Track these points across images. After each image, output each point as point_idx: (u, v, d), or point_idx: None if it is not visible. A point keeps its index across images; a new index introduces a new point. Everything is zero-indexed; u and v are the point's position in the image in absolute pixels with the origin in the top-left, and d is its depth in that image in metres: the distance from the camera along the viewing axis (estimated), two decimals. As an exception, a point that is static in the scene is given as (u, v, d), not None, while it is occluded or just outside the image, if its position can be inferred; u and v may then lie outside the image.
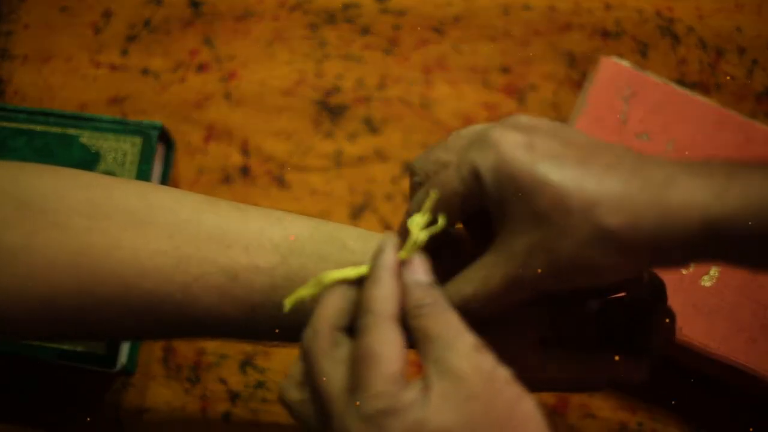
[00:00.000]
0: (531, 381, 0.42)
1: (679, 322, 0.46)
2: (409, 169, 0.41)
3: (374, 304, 0.37)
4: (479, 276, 0.38)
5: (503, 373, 0.36)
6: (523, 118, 0.38)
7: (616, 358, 0.42)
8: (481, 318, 0.39)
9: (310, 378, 0.38)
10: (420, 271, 0.38)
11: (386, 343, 0.36)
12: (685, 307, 0.57)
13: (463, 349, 0.36)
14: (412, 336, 0.37)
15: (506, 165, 0.36)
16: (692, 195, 0.34)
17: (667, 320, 0.43)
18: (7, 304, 0.43)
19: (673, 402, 0.60)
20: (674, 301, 0.46)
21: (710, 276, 0.57)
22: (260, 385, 0.62)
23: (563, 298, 0.44)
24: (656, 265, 0.38)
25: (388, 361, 0.35)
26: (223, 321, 0.44)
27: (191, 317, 0.44)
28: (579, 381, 0.43)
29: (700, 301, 0.57)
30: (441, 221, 0.39)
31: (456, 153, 0.39)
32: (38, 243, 0.43)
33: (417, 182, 0.41)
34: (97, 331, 0.47)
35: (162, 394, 0.62)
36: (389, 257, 0.38)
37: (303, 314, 0.44)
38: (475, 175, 0.37)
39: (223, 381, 0.62)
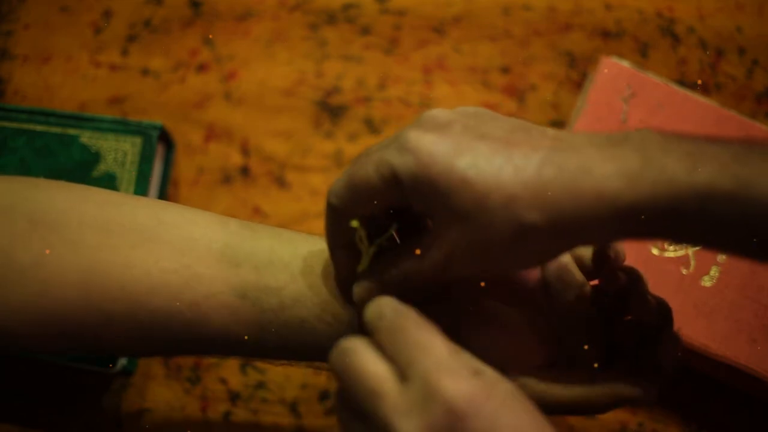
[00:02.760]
0: (536, 404, 0.42)
1: (680, 322, 0.46)
2: (326, 201, 0.41)
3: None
4: (409, 265, 0.40)
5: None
6: (439, 114, 0.39)
7: (622, 383, 0.42)
8: (416, 295, 0.40)
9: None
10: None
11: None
12: (686, 307, 0.57)
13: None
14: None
15: (425, 168, 0.37)
16: (604, 184, 0.35)
17: (673, 344, 0.44)
18: (18, 319, 0.43)
19: (673, 402, 0.60)
20: (674, 301, 0.46)
21: (710, 276, 0.57)
22: (260, 385, 0.62)
23: (568, 322, 0.44)
24: (578, 245, 0.39)
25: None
26: (231, 340, 0.44)
27: (200, 335, 0.44)
28: (585, 404, 0.43)
29: (701, 301, 0.57)
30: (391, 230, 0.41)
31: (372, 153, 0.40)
32: (49, 260, 0.43)
33: (334, 213, 0.41)
34: (106, 347, 0.47)
35: (162, 394, 0.62)
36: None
37: (311, 334, 0.44)
38: (394, 176, 0.38)
39: (223, 381, 0.62)
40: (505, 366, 0.42)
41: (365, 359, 0.36)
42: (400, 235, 0.42)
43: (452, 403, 0.34)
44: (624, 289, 0.44)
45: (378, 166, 0.38)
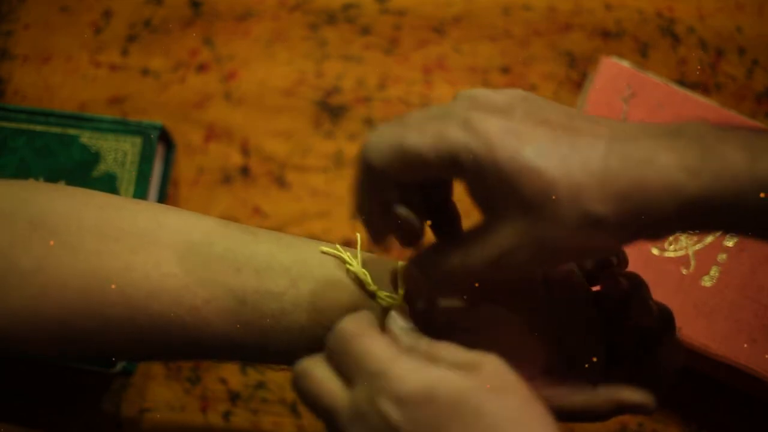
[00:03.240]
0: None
1: (680, 322, 0.46)
2: (362, 156, 0.39)
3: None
4: (462, 254, 0.38)
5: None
6: (495, 97, 0.37)
7: (624, 390, 0.42)
8: (458, 292, 0.40)
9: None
10: (404, 319, 0.40)
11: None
12: (686, 307, 0.57)
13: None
14: None
15: (490, 153, 0.35)
16: (668, 175, 0.34)
17: (675, 349, 0.43)
18: (18, 324, 0.43)
19: (673, 402, 0.60)
20: (674, 301, 0.46)
21: (711, 276, 0.57)
22: (260, 385, 0.62)
23: (569, 326, 0.44)
24: (641, 239, 0.38)
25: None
26: (232, 345, 0.44)
27: (200, 340, 0.44)
28: (586, 411, 0.42)
29: (701, 301, 0.57)
30: (400, 294, 0.42)
31: (424, 125, 0.37)
32: (49, 264, 0.43)
33: (372, 172, 0.38)
34: (106, 352, 0.47)
35: (162, 394, 0.62)
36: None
37: (311, 339, 0.44)
38: (453, 156, 0.36)
39: (223, 381, 0.62)
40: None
41: (318, 378, 0.37)
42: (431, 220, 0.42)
43: (388, 407, 0.34)
44: (626, 294, 0.44)
45: (437, 141, 0.36)
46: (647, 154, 0.35)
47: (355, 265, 0.44)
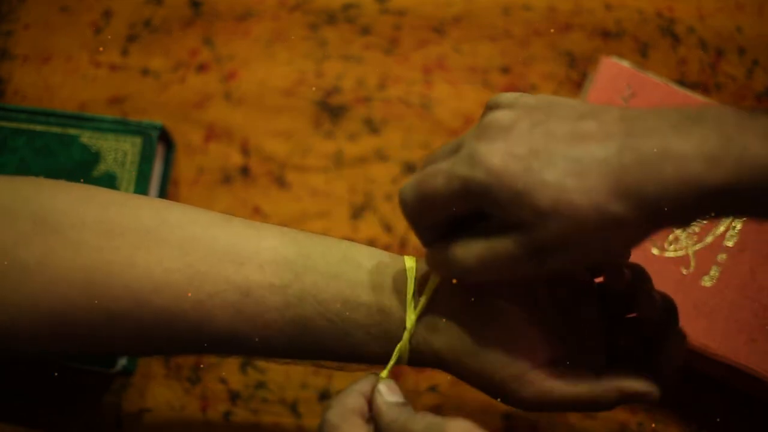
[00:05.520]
0: (541, 402, 0.42)
1: (680, 322, 0.46)
2: (400, 203, 0.42)
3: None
4: (485, 252, 0.39)
5: None
6: (501, 117, 0.38)
7: (627, 379, 0.42)
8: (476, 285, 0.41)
9: None
10: (390, 393, 0.41)
11: None
12: (686, 307, 0.57)
13: None
14: None
15: (498, 179, 0.37)
16: (686, 167, 0.34)
17: (679, 341, 0.44)
18: (21, 320, 0.43)
19: (673, 402, 0.60)
20: (674, 301, 0.46)
21: (710, 276, 0.57)
22: (260, 385, 0.62)
23: (572, 319, 0.44)
24: (664, 229, 0.38)
25: None
26: (236, 338, 0.44)
27: (204, 334, 0.44)
28: (589, 402, 0.43)
29: (701, 301, 0.57)
30: (387, 369, 0.44)
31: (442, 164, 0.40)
32: (53, 260, 0.43)
33: (410, 216, 0.42)
34: (109, 348, 0.47)
35: (162, 394, 0.62)
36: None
37: (315, 332, 0.44)
38: (465, 190, 0.38)
39: (223, 381, 0.62)
40: (510, 363, 0.42)
41: None
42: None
43: None
44: (629, 286, 0.44)
45: (448, 181, 0.38)
46: (664, 145, 0.35)
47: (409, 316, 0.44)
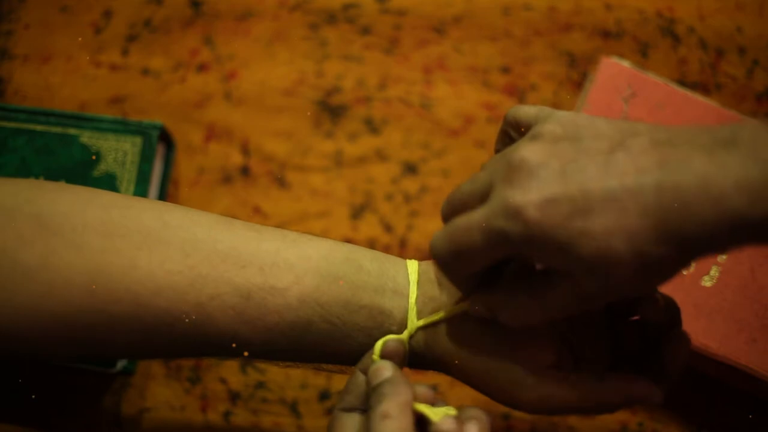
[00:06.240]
0: (543, 407, 0.42)
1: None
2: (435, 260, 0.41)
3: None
4: (536, 308, 0.39)
5: None
6: (529, 157, 0.37)
7: (630, 383, 0.42)
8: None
9: None
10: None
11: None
12: (686, 307, 0.56)
13: None
14: None
15: (539, 231, 0.36)
16: (725, 203, 0.33)
17: (682, 344, 0.43)
18: (23, 322, 0.43)
19: (673, 402, 0.60)
20: (677, 303, 0.46)
21: (711, 276, 0.57)
22: (260, 385, 0.62)
23: (577, 322, 0.44)
24: (698, 258, 0.37)
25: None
26: (237, 341, 0.44)
27: (205, 337, 0.44)
28: (592, 405, 0.42)
29: (701, 301, 0.57)
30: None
31: (475, 211, 0.39)
32: (54, 262, 0.43)
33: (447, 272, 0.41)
34: (111, 350, 0.47)
35: (162, 394, 0.62)
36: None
37: (316, 335, 0.44)
38: (507, 243, 0.37)
39: (223, 381, 0.62)
40: (512, 367, 0.42)
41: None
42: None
43: None
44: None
45: (488, 236, 0.37)
46: (701, 180, 0.34)
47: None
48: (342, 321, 0.44)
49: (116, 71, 0.69)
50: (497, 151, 0.44)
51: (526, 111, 0.41)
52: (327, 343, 0.44)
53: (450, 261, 0.40)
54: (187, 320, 0.43)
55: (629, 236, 0.35)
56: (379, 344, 0.43)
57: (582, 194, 0.35)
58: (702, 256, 0.35)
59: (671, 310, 0.44)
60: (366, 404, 0.41)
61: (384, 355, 0.43)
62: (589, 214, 0.35)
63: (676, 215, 0.34)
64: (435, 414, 0.39)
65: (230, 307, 0.43)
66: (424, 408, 0.40)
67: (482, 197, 0.39)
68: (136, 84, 0.68)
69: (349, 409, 0.42)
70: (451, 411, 0.40)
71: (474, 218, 0.38)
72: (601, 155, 0.36)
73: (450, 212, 0.41)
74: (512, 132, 0.43)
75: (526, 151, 0.37)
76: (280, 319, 0.43)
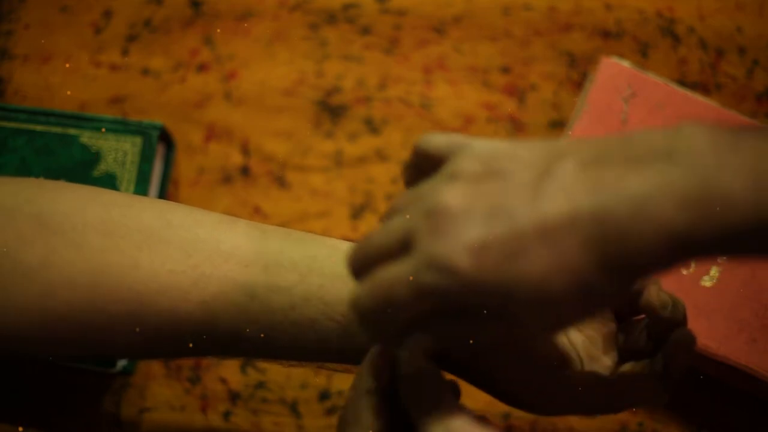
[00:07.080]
0: (547, 407, 0.42)
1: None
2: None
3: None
4: (479, 345, 0.37)
5: None
6: (450, 202, 0.34)
7: (635, 384, 0.42)
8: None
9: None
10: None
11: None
12: (686, 307, 0.57)
13: None
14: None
15: (474, 283, 0.33)
16: (666, 226, 0.31)
17: (687, 343, 0.43)
18: (24, 321, 0.43)
19: (673, 402, 0.60)
20: (683, 302, 0.45)
21: (710, 276, 0.57)
22: (260, 385, 0.62)
23: (581, 323, 0.44)
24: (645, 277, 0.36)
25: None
26: (240, 340, 0.44)
27: (209, 336, 0.44)
28: (598, 405, 0.42)
29: (701, 301, 0.57)
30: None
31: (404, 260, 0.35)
32: (55, 261, 0.43)
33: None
34: (112, 350, 0.47)
35: (162, 394, 0.62)
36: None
37: (321, 333, 0.44)
38: (437, 299, 0.34)
39: (223, 381, 0.62)
40: (515, 367, 0.42)
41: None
42: None
43: None
44: (638, 288, 0.43)
45: (417, 292, 0.34)
46: (637, 200, 0.31)
47: None
48: (347, 320, 0.44)
49: (116, 71, 0.69)
50: (407, 184, 0.41)
51: (436, 143, 0.38)
52: (331, 342, 0.44)
53: (375, 319, 0.36)
54: (190, 320, 0.43)
55: (569, 272, 0.32)
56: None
57: (513, 235, 0.33)
58: (649, 276, 0.33)
59: (676, 308, 0.43)
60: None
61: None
62: (525, 255, 0.32)
63: (616, 243, 0.31)
64: None
65: (234, 306, 0.43)
66: None
67: (402, 247, 0.35)
68: (136, 84, 0.68)
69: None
70: None
71: (399, 272, 0.35)
72: (528, 189, 0.33)
73: (363, 265, 0.37)
74: (423, 164, 0.39)
75: (447, 195, 0.34)
76: (284, 317, 0.43)
